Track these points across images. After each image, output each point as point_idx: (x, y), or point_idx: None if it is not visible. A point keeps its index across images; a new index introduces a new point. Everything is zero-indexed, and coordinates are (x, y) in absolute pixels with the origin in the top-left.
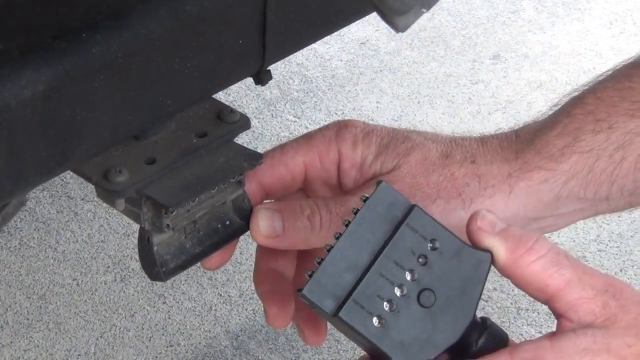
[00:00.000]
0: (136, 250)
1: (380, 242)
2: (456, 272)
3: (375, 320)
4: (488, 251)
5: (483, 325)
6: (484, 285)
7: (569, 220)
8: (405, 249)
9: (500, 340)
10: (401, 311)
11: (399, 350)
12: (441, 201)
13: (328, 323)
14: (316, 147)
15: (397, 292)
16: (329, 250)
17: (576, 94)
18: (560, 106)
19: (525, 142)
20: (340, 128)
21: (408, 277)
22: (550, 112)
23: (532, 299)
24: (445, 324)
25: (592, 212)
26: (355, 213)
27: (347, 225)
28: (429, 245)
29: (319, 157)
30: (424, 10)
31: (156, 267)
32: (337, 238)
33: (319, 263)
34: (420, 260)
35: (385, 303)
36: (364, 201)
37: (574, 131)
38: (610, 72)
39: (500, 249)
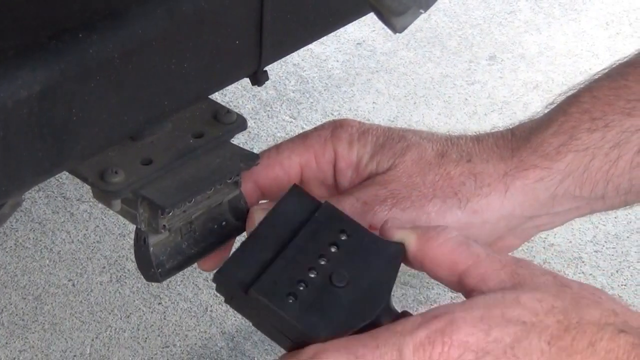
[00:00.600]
0: (132, 251)
1: (292, 234)
2: (369, 259)
3: (287, 296)
4: (401, 243)
5: (402, 315)
6: (397, 273)
7: (565, 219)
8: (316, 238)
9: None
10: (313, 289)
11: (311, 325)
12: (437, 200)
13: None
14: (312, 147)
15: (309, 273)
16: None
17: (572, 92)
18: (556, 104)
19: (521, 141)
20: (335, 128)
21: (320, 261)
22: (546, 111)
23: None
24: (358, 305)
25: (588, 211)
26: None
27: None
28: (341, 235)
29: (315, 157)
30: (422, 11)
31: (152, 268)
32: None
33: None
34: (332, 248)
35: (297, 282)
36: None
37: (569, 130)
38: (606, 70)
39: (410, 237)
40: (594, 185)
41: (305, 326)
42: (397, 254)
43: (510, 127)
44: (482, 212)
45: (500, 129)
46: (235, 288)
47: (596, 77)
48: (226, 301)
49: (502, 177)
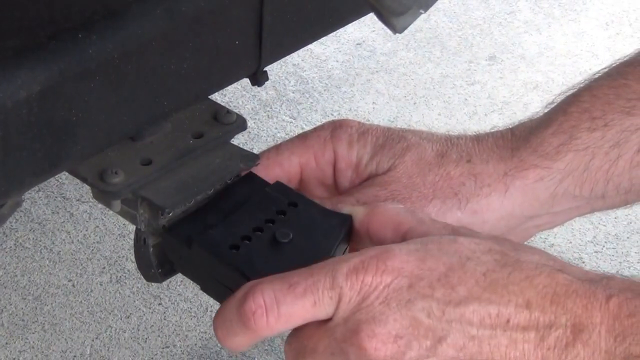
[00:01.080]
0: (132, 251)
1: (242, 205)
2: (314, 225)
3: (229, 248)
4: (349, 214)
5: None
6: (340, 237)
7: (565, 218)
8: (265, 207)
9: None
10: (256, 244)
11: (250, 271)
12: (437, 201)
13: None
14: (312, 148)
15: (254, 232)
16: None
17: (572, 91)
18: (555, 104)
19: (521, 141)
20: (335, 128)
21: (267, 224)
22: (546, 110)
23: None
24: (298, 258)
25: (588, 210)
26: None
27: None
28: (290, 206)
29: (315, 158)
30: (422, 11)
31: (152, 269)
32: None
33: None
34: (281, 216)
35: (241, 238)
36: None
37: (569, 129)
38: (606, 70)
39: (359, 209)
40: (594, 184)
41: (245, 271)
42: (344, 222)
43: (510, 127)
44: (482, 212)
45: (500, 129)
46: (180, 244)
47: (596, 76)
48: (176, 267)
49: (502, 177)
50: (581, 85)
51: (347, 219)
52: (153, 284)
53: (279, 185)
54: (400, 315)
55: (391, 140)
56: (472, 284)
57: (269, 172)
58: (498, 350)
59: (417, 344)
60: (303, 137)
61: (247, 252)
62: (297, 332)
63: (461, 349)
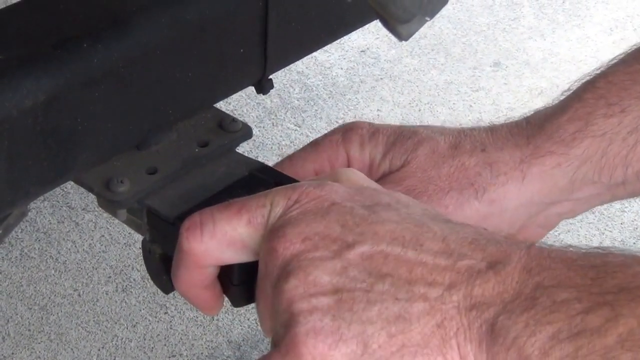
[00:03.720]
0: (137, 260)
1: (226, 184)
2: None
3: None
4: None
5: None
6: None
7: (587, 206)
8: (250, 186)
9: None
10: None
11: None
12: (454, 193)
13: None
14: (324, 153)
15: None
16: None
17: (587, 78)
18: (571, 91)
19: (536, 128)
20: (346, 131)
21: None
22: (562, 98)
23: None
24: None
25: (609, 197)
26: None
27: None
28: (274, 184)
29: (329, 162)
30: (427, 18)
31: (163, 276)
32: None
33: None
34: None
35: None
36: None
37: (585, 115)
38: (621, 55)
39: None
40: (613, 170)
41: None
42: None
43: (525, 116)
44: (500, 201)
45: (515, 119)
46: (163, 222)
47: (611, 62)
48: (163, 250)
49: (518, 165)
50: (597, 72)
51: None
52: (159, 292)
53: (265, 167)
54: (313, 221)
55: (402, 137)
56: (395, 215)
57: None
58: (405, 266)
59: (323, 246)
60: (315, 144)
61: None
62: None
63: (367, 259)
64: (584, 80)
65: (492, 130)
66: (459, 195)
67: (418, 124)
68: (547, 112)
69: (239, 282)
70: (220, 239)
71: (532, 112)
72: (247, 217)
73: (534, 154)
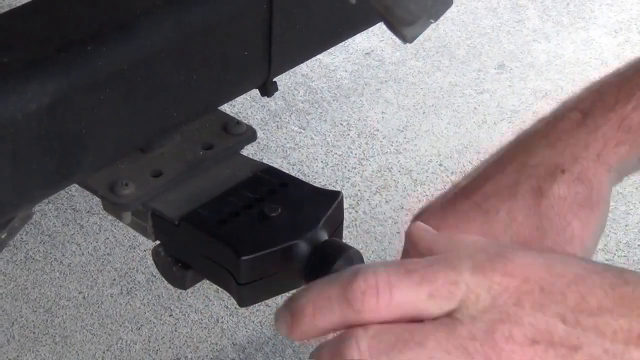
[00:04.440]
0: (142, 262)
1: (232, 186)
2: (303, 201)
3: (217, 223)
4: (338, 190)
5: (344, 249)
6: (329, 209)
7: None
8: (255, 187)
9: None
10: (245, 218)
11: (236, 241)
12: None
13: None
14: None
15: (244, 209)
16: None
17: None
18: (623, 79)
19: (599, 118)
20: None
21: (255, 200)
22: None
23: None
24: (286, 229)
25: None
26: None
27: None
28: (280, 186)
29: None
30: (432, 20)
31: (174, 273)
32: None
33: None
34: (271, 194)
35: (229, 214)
36: None
37: None
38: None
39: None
40: None
41: (232, 243)
42: (333, 197)
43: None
44: (601, 205)
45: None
46: (168, 223)
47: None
48: (167, 251)
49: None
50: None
51: (337, 195)
52: (163, 295)
53: (269, 168)
54: (535, 319)
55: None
56: (602, 296)
57: None
58: None
59: (553, 351)
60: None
61: (235, 225)
62: (387, 325)
63: None
64: (636, 67)
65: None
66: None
67: (422, 126)
68: (603, 105)
69: (245, 282)
70: (396, 308)
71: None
72: (429, 290)
73: (607, 145)
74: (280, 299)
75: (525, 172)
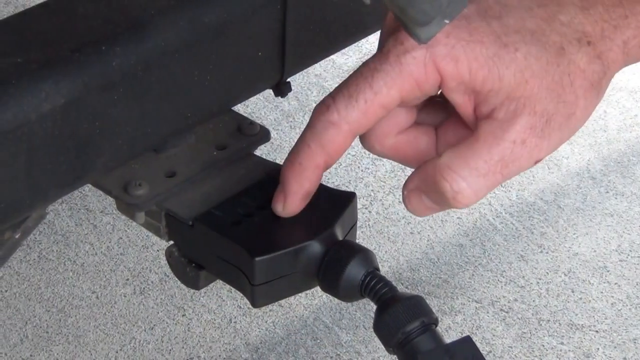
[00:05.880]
0: (155, 262)
1: (244, 187)
2: (318, 201)
3: (231, 224)
4: (352, 192)
5: (357, 249)
6: (344, 211)
7: None
8: (268, 188)
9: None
10: (259, 219)
11: (251, 243)
12: (581, 101)
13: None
14: (410, 75)
15: (257, 210)
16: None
17: None
18: None
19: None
20: (431, 45)
21: (268, 199)
22: None
23: (553, 310)
24: (301, 229)
25: None
26: None
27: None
28: None
29: (417, 86)
30: (446, 21)
31: (187, 273)
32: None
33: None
34: None
35: (242, 215)
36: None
37: None
38: None
39: None
40: None
41: (246, 244)
42: (347, 199)
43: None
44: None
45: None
46: (182, 223)
47: None
48: (181, 253)
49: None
50: None
51: (351, 196)
52: (176, 295)
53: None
54: None
55: (505, 48)
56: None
57: (369, 118)
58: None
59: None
60: (396, 64)
61: (249, 226)
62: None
63: None
64: None
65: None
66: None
67: None
68: None
69: (259, 282)
70: None
71: None
72: None
73: None
74: (293, 300)
75: (552, 24)
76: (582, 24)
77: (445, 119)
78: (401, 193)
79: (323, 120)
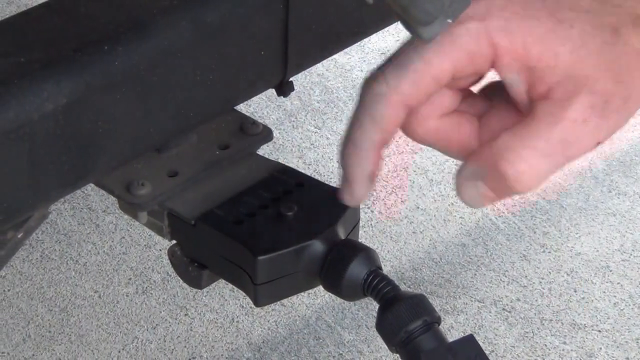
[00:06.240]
0: (158, 262)
1: (247, 187)
2: (320, 200)
3: (233, 223)
4: None
5: (360, 248)
6: (347, 213)
7: None
8: (270, 187)
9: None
10: (261, 218)
11: (253, 241)
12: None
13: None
14: (462, 48)
15: (260, 209)
16: None
17: None
18: None
19: None
20: (483, 18)
21: (271, 200)
22: None
23: (556, 310)
24: (302, 228)
25: None
26: None
27: None
28: (297, 186)
29: (469, 58)
30: (449, 20)
31: (190, 273)
32: None
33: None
34: (286, 194)
35: (245, 214)
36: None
37: None
38: None
39: None
40: None
41: (248, 243)
42: None
43: None
44: None
45: None
46: (184, 223)
47: None
48: (183, 252)
49: None
50: None
51: None
52: (179, 294)
53: (286, 168)
54: None
55: (560, 24)
56: None
57: (419, 89)
58: None
59: None
60: (450, 36)
61: (251, 225)
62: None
63: None
64: None
65: None
66: None
67: None
68: None
69: (261, 281)
70: None
71: None
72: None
73: None
74: (295, 299)
75: (605, 5)
76: (634, 6)
77: (487, 111)
78: (454, 183)
79: (372, 94)
